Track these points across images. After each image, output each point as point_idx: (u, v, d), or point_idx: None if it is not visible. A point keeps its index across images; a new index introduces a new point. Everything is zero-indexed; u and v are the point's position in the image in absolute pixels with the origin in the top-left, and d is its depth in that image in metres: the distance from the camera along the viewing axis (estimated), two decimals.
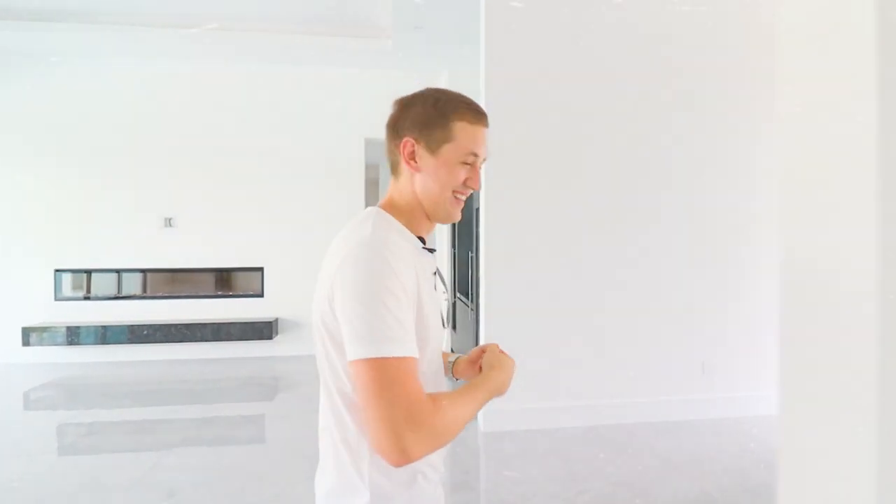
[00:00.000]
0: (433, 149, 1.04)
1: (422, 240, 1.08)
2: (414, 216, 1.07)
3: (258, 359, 6.28)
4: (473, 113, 1.06)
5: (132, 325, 6.07)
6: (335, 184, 6.48)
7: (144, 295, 6.43)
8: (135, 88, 6.22)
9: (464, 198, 1.09)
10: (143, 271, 6.38)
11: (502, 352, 1.15)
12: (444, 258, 6.62)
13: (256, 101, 6.36)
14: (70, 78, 6.14)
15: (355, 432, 0.97)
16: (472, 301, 5.09)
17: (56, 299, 6.24)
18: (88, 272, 6.30)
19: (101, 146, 6.18)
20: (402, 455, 0.87)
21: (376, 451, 0.89)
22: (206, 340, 6.16)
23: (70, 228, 6.22)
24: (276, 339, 6.44)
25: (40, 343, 6.03)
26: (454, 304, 6.41)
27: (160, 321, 6.16)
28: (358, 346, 0.90)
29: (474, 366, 1.19)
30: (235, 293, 6.52)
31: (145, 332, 6.08)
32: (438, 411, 0.90)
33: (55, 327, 6.02)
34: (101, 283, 6.37)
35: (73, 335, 6.02)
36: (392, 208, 1.07)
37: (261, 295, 6.48)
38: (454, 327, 6.39)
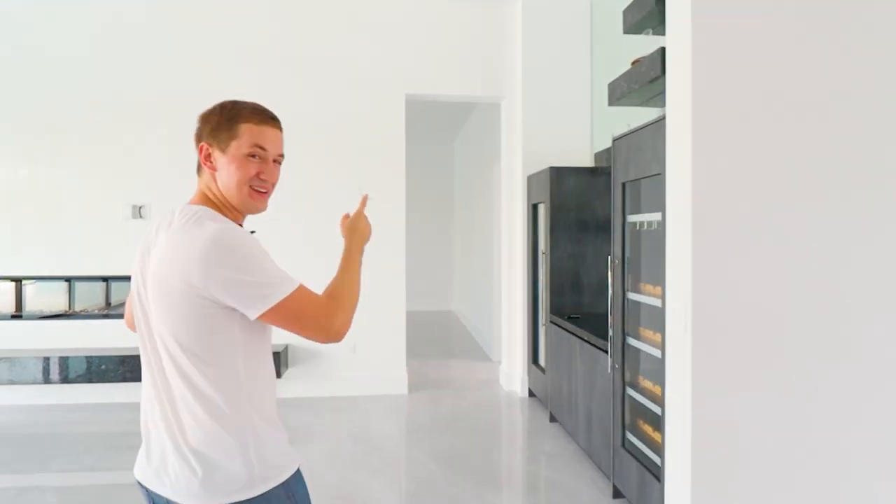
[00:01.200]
0: (223, 148, 1.20)
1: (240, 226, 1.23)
2: (224, 208, 1.22)
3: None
4: (259, 116, 1.23)
5: (89, 356, 4.34)
6: (369, 160, 4.76)
7: (106, 312, 4.69)
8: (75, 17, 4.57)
9: (265, 191, 1.24)
10: (105, 279, 4.64)
11: (346, 215, 1.46)
12: (518, 265, 4.85)
13: (263, 46, 4.68)
14: None
15: (207, 385, 1.12)
16: (612, 328, 3.29)
17: None
18: (18, 280, 4.58)
19: (42, 102, 4.52)
20: (338, 335, 1.17)
21: (321, 342, 1.17)
22: None
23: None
24: (286, 375, 4.69)
25: None
26: (534, 329, 4.62)
27: (125, 350, 4.43)
28: (261, 302, 1.09)
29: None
30: None
31: (104, 367, 4.34)
32: (337, 297, 1.20)
33: None
34: (42, 296, 4.64)
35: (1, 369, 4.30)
36: (210, 203, 1.22)
37: None
38: (534, 360, 4.59)
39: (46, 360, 4.31)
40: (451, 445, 3.66)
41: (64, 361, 4.31)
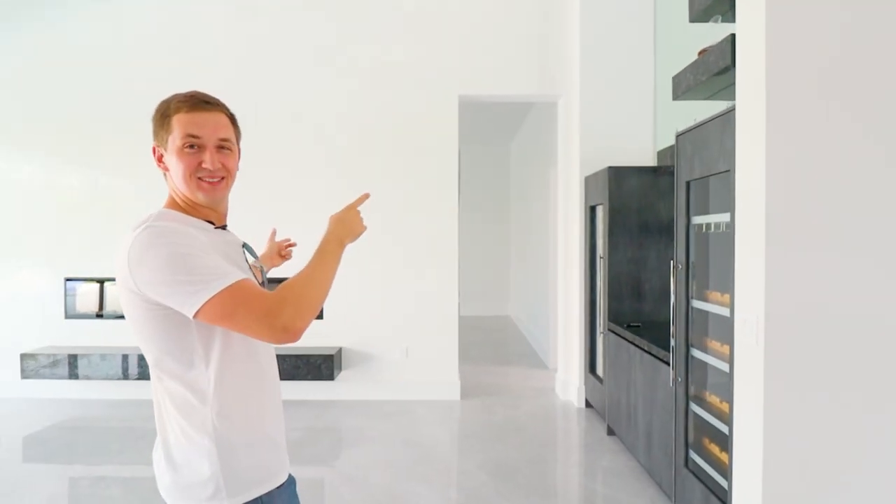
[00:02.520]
0: (166, 147, 1.15)
1: (212, 223, 1.20)
2: (189, 207, 1.18)
3: (314, 404, 4.54)
4: (188, 103, 1.14)
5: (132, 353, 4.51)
6: (422, 163, 4.71)
7: None
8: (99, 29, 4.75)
9: (215, 180, 1.16)
10: None
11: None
12: (574, 270, 4.67)
13: (301, 46, 4.73)
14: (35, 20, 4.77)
15: (175, 390, 1.11)
16: (675, 338, 3.09)
17: (67, 317, 4.80)
18: (101, 282, 4.82)
19: (105, 116, 4.73)
20: (285, 332, 1.01)
21: (270, 342, 1.04)
22: None
23: (78, 227, 4.80)
24: (340, 377, 4.70)
25: (37, 375, 4.58)
26: (591, 337, 4.42)
27: None
28: (194, 298, 1.01)
29: (278, 256, 1.60)
30: None
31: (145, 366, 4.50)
32: (289, 289, 1.05)
33: (59, 355, 4.57)
34: (115, 298, 4.86)
35: (75, 365, 4.53)
36: (172, 205, 1.18)
37: (318, 316, 4.76)
38: (591, 370, 4.40)
39: (125, 357, 4.52)
40: (502, 456, 3.53)
41: (141, 359, 4.52)
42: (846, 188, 1.85)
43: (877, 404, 1.86)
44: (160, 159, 1.18)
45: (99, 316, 4.80)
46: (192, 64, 4.70)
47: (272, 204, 4.61)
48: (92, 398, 4.69)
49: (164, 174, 1.19)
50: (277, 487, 1.18)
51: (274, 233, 1.77)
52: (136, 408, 4.48)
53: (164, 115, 1.15)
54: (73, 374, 4.56)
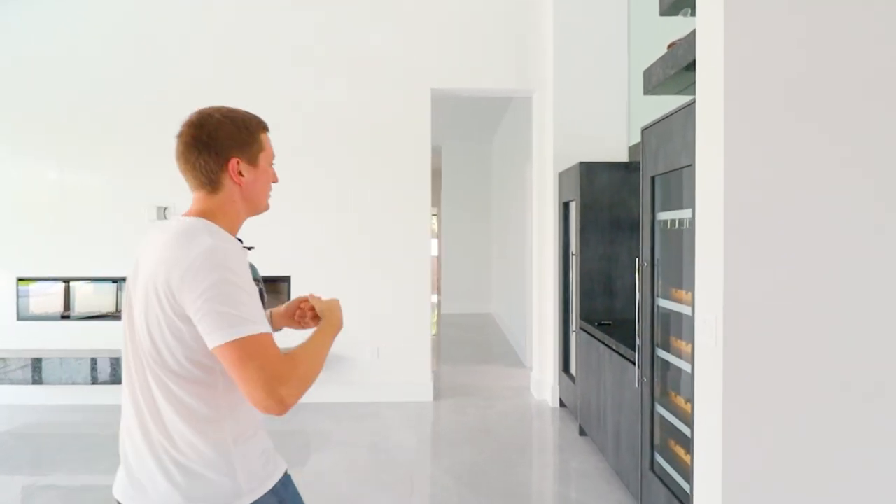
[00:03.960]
0: (254, 161, 1.21)
1: (240, 240, 1.23)
2: (236, 222, 1.22)
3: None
4: (264, 123, 1.26)
5: (101, 357, 4.38)
6: (394, 158, 4.59)
7: (119, 314, 4.70)
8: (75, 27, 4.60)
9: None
10: (115, 280, 4.63)
11: (320, 299, 1.35)
12: (548, 267, 4.59)
13: (280, 42, 4.60)
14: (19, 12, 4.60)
15: (187, 398, 1.09)
16: (640, 338, 3.02)
17: (19, 318, 4.63)
18: (67, 281, 4.66)
19: (68, 107, 4.57)
20: (280, 405, 1.03)
21: (258, 408, 1.03)
22: None
23: (34, 225, 4.62)
24: None
25: None
26: (565, 335, 4.35)
27: None
28: (221, 333, 1.02)
29: (291, 318, 1.42)
30: None
31: (117, 369, 4.35)
32: (297, 364, 1.08)
33: (11, 359, 4.40)
34: (85, 298, 4.69)
35: (38, 368, 4.38)
36: (214, 218, 1.17)
37: None
38: (565, 369, 4.33)
39: (94, 361, 4.38)
40: (470, 459, 3.45)
41: (114, 363, 4.37)
42: (806, 185, 1.78)
43: (836, 406, 1.79)
44: (238, 172, 1.18)
45: (65, 317, 4.65)
46: (159, 60, 4.56)
47: None
48: (50, 404, 4.54)
49: (225, 186, 1.19)
50: (284, 474, 1.22)
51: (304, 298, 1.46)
52: (100, 413, 4.34)
53: (254, 131, 1.21)
54: (34, 379, 4.39)
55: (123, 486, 1.15)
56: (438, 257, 10.09)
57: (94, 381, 4.40)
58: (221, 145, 1.16)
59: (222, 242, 1.10)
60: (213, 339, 1.03)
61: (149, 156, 4.50)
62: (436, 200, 10.14)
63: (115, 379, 4.36)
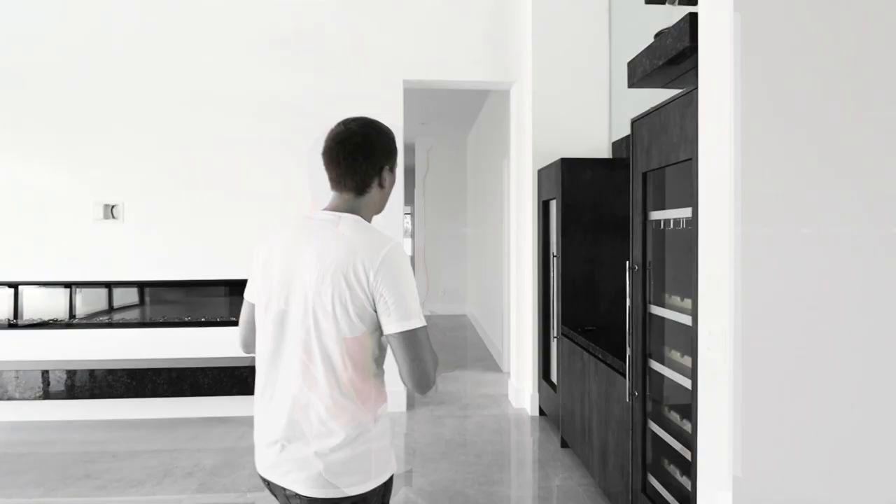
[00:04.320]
0: (393, 169, 1.40)
1: None
2: (368, 220, 1.37)
3: (239, 422, 4.09)
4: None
5: (53, 368, 4.01)
6: None
7: (73, 322, 4.34)
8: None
9: None
10: (68, 285, 4.28)
11: None
12: (527, 269, 4.37)
13: (248, 28, 4.27)
14: None
15: (348, 385, 1.24)
16: (631, 348, 2.81)
17: None
18: (14, 286, 4.25)
19: (8, 102, 4.18)
20: (430, 386, 1.26)
21: (419, 389, 1.25)
22: (165, 394, 4.03)
23: None
24: None
25: None
26: (545, 340, 4.14)
27: (94, 361, 4.08)
28: (410, 319, 1.22)
29: None
30: (210, 320, 4.36)
31: (70, 383, 3.99)
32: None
33: None
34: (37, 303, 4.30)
35: None
36: (360, 216, 1.35)
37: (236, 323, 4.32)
38: (545, 376, 4.11)
39: (44, 373, 4.00)
40: (445, 477, 3.20)
41: (71, 375, 3.99)
42: (828, 178, 1.58)
43: (870, 433, 1.59)
44: (385, 178, 1.36)
45: (13, 325, 4.25)
46: (106, 54, 4.18)
47: (205, 194, 4.17)
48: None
49: (373, 190, 1.35)
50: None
51: None
52: (51, 430, 3.97)
53: (393, 142, 1.38)
54: None
55: (271, 463, 1.28)
56: (412, 257, 9.82)
57: (46, 396, 4.03)
58: (379, 154, 1.34)
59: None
60: (395, 325, 1.21)
61: (95, 152, 4.14)
62: (409, 199, 9.86)
63: (73, 394, 3.99)
